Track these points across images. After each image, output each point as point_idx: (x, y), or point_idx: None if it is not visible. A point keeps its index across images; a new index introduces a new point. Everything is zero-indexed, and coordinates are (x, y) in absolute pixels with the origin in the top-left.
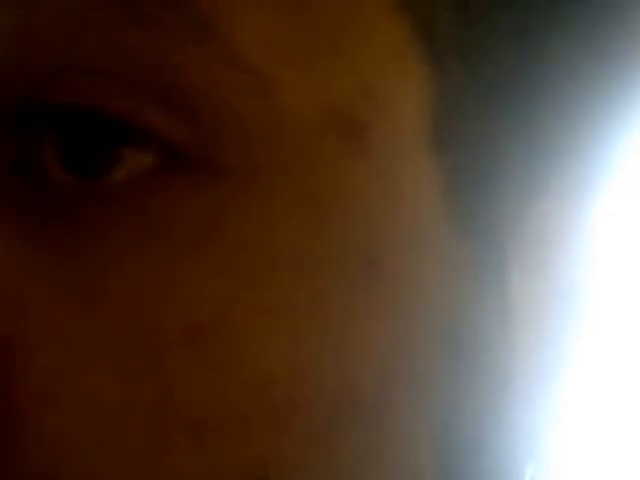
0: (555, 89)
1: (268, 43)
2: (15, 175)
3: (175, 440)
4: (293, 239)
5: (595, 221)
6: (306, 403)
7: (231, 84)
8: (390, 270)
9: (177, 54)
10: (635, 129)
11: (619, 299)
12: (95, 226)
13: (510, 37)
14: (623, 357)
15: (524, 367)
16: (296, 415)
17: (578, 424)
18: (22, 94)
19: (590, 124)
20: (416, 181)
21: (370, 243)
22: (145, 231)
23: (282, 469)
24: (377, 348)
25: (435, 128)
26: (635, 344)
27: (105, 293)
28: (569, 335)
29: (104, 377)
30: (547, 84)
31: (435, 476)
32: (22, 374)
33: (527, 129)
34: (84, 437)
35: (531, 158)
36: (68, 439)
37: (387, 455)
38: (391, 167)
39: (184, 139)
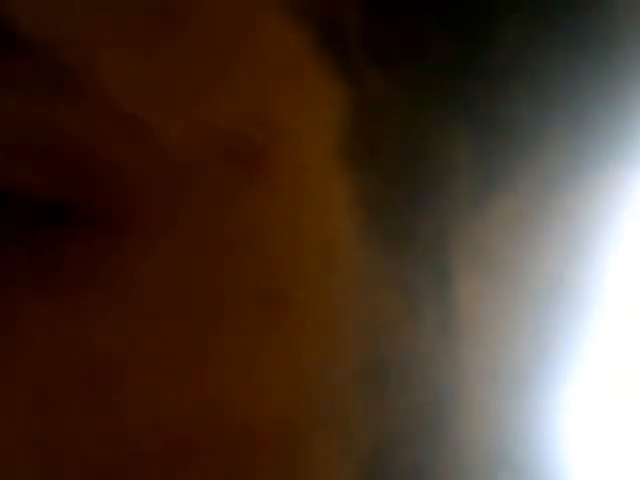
0: (500, 80)
1: (142, 86)
2: None
3: None
4: (186, 279)
5: (574, 217)
6: (205, 448)
7: (107, 135)
8: (298, 302)
9: (48, 113)
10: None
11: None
12: None
13: (441, 31)
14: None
15: (476, 375)
16: (195, 460)
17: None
18: None
19: (550, 118)
20: (327, 204)
21: (274, 276)
22: (34, 284)
23: None
24: (283, 388)
25: (350, 144)
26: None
27: (4, 347)
28: (546, 339)
29: (8, 433)
30: (489, 75)
31: None
32: None
33: (474, 127)
34: None
35: (484, 157)
36: None
37: None
38: (296, 192)
39: (64, 194)
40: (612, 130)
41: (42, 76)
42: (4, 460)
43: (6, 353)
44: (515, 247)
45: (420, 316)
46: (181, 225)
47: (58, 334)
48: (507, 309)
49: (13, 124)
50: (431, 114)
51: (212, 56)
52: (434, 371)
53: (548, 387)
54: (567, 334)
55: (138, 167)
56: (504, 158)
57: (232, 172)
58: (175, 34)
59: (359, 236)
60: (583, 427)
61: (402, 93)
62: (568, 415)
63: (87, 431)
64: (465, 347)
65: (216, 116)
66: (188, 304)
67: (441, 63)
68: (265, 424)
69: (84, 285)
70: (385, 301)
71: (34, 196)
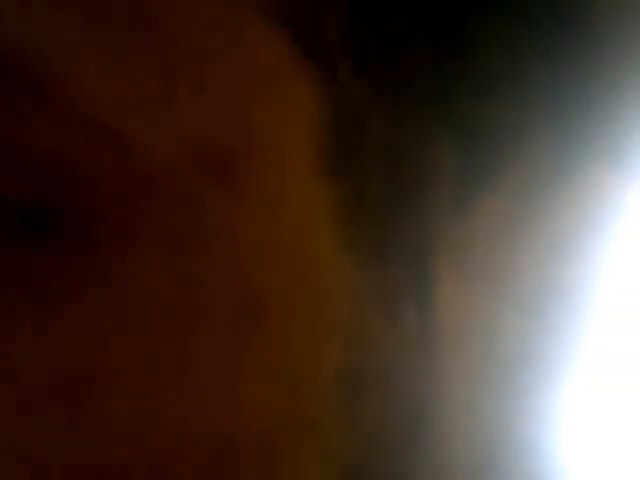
0: (483, 82)
1: (117, 94)
2: None
3: None
4: (164, 289)
5: (559, 218)
6: (183, 456)
7: (83, 145)
8: (279, 311)
9: (25, 125)
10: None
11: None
12: None
13: (423, 34)
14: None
15: (460, 377)
16: (173, 467)
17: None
18: None
19: (534, 119)
20: (307, 209)
21: (254, 284)
22: (16, 292)
23: None
24: (264, 397)
25: (330, 150)
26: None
27: None
28: (531, 346)
29: None
30: (473, 77)
31: None
32: None
33: (458, 130)
34: None
35: (468, 159)
36: None
37: None
38: (275, 199)
39: (44, 204)
40: (596, 131)
41: (17, 85)
42: None
43: None
44: (499, 248)
45: (402, 320)
46: (159, 234)
47: (38, 346)
48: (491, 310)
49: None
50: (414, 117)
51: (187, 62)
52: (416, 374)
53: (534, 388)
54: (552, 335)
55: (114, 177)
56: (488, 160)
57: (209, 180)
58: (149, 41)
59: (340, 241)
60: (570, 428)
61: (383, 96)
62: (555, 416)
63: (69, 441)
64: (448, 349)
65: (192, 123)
66: (168, 314)
67: (423, 66)
68: (246, 433)
69: (63, 297)
70: (366, 306)
71: (13, 204)
